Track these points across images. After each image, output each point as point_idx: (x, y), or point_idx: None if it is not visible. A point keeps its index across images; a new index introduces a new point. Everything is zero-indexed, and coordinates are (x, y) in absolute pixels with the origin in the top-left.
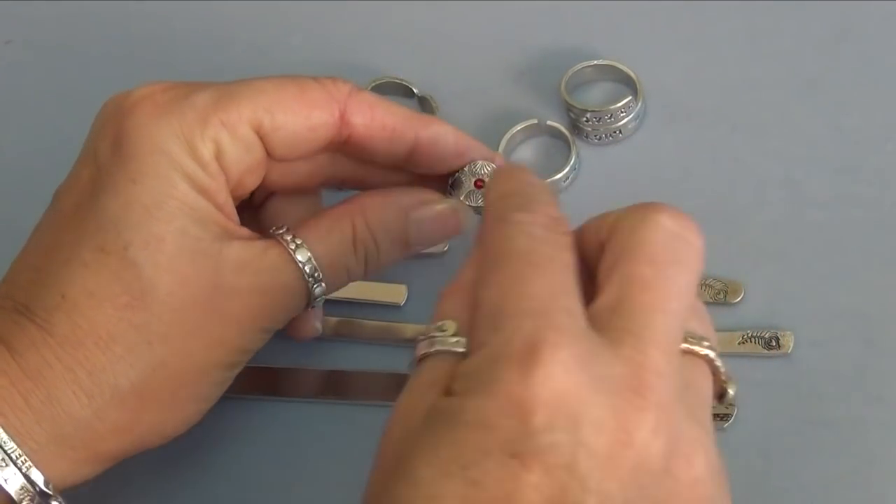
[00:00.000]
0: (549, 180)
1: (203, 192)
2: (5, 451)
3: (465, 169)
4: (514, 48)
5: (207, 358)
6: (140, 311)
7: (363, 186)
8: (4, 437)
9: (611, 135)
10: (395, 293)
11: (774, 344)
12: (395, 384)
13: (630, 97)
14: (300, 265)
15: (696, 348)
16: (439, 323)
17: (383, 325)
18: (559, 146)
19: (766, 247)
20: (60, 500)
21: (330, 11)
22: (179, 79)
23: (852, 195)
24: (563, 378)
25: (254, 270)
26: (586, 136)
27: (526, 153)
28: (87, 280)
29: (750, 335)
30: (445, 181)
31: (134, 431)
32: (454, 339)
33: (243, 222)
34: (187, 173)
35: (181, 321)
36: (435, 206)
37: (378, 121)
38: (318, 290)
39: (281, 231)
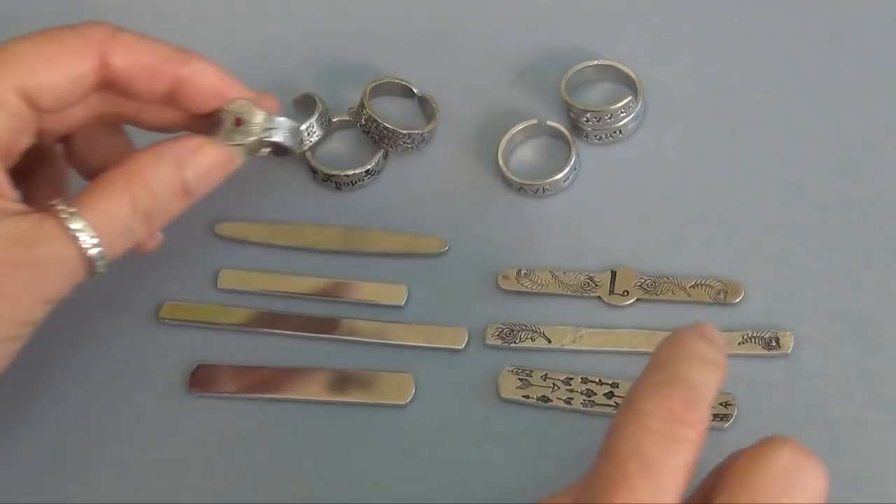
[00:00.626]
0: (549, 180)
1: None
2: None
3: (226, 108)
4: (514, 48)
5: None
6: None
7: (138, 123)
8: None
9: (611, 135)
10: (395, 294)
11: (774, 344)
12: (394, 384)
13: (630, 97)
14: (74, 234)
15: None
16: None
17: (383, 325)
18: (559, 146)
19: (766, 247)
20: None
21: (330, 11)
22: None
23: (852, 195)
24: None
25: (27, 244)
26: (586, 136)
27: (526, 153)
28: None
29: (750, 335)
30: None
31: None
32: None
33: (29, 179)
34: None
35: None
36: (206, 151)
37: (138, 60)
38: (96, 256)
39: (54, 203)
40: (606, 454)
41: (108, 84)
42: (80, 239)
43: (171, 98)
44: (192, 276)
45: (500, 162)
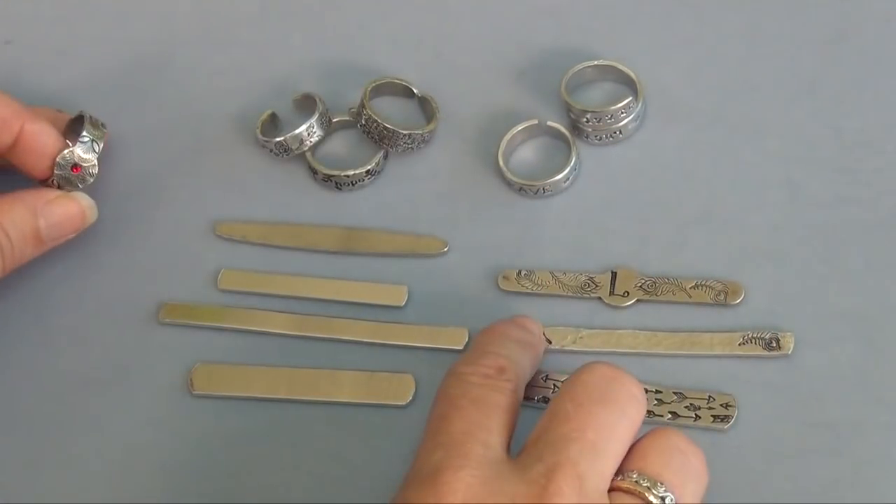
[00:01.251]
0: (549, 181)
1: None
2: None
3: (59, 162)
4: (515, 48)
5: None
6: None
7: None
8: None
9: (611, 135)
10: (395, 294)
11: (775, 345)
12: (394, 385)
13: (630, 97)
14: None
15: (641, 490)
16: None
17: (383, 325)
18: (559, 146)
19: (766, 248)
20: None
21: (330, 11)
22: (179, 78)
23: (852, 196)
24: (464, 493)
25: None
26: (586, 137)
27: (526, 153)
28: None
29: (750, 336)
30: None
31: None
32: None
33: None
34: None
35: None
36: (61, 203)
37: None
38: None
39: None
40: (435, 401)
41: None
42: None
43: (12, 152)
44: (192, 276)
45: (501, 162)
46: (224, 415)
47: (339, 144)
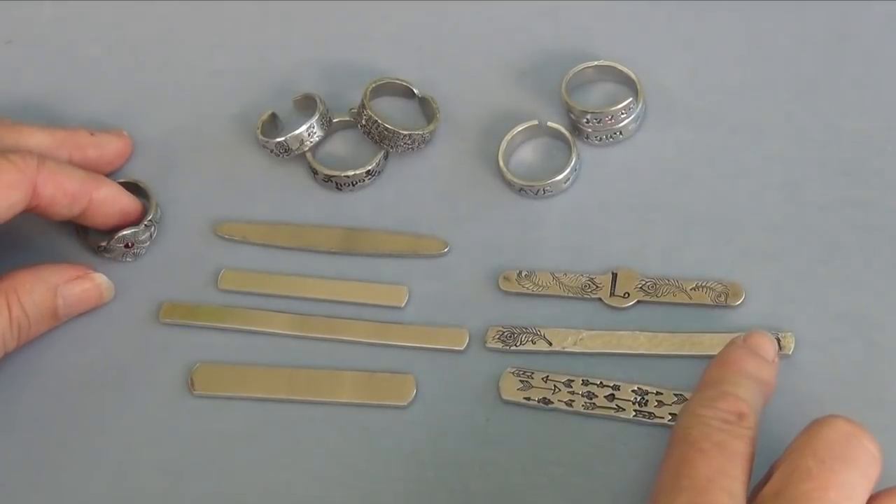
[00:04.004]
0: (549, 181)
1: None
2: None
3: (118, 235)
4: (515, 48)
5: None
6: None
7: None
8: None
9: (611, 136)
10: (395, 295)
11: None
12: (395, 385)
13: (630, 98)
14: None
15: None
16: None
17: (384, 325)
18: (560, 147)
19: (766, 249)
20: None
21: (330, 11)
22: (179, 78)
23: (852, 196)
24: None
25: None
26: (587, 138)
27: (526, 154)
28: None
29: None
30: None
31: None
32: None
33: None
34: None
35: None
36: (80, 284)
37: (61, 188)
38: None
39: None
40: (673, 442)
41: (33, 208)
42: None
43: (81, 216)
44: (192, 276)
45: (501, 163)
46: (224, 415)
47: (340, 144)
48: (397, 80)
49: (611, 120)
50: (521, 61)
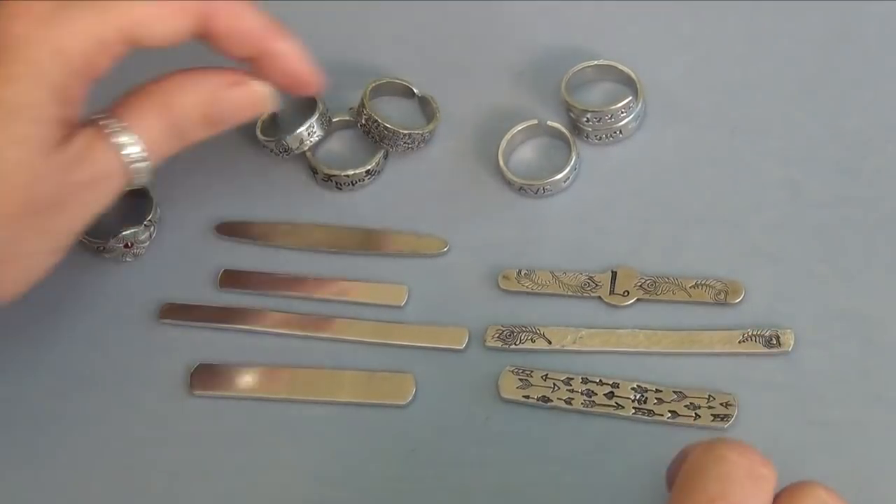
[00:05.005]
0: (549, 180)
1: (65, 102)
2: None
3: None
4: (515, 48)
5: (37, 244)
6: None
7: None
8: None
9: (611, 135)
10: (395, 294)
11: (775, 342)
12: (394, 384)
13: (630, 97)
14: (123, 150)
15: None
16: None
17: (383, 325)
18: (559, 146)
19: (766, 247)
20: None
21: (330, 11)
22: None
23: (852, 195)
24: None
25: (88, 164)
26: (586, 137)
27: (526, 153)
28: None
29: (750, 334)
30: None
31: None
32: None
33: None
34: (55, 85)
35: (21, 214)
36: (243, 87)
37: (237, 26)
38: (139, 170)
39: (101, 119)
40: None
41: (203, 36)
42: (130, 155)
43: (253, 63)
44: (192, 276)
45: (501, 162)
46: (224, 415)
47: (339, 144)
48: (397, 79)
49: (610, 119)
50: (520, 61)
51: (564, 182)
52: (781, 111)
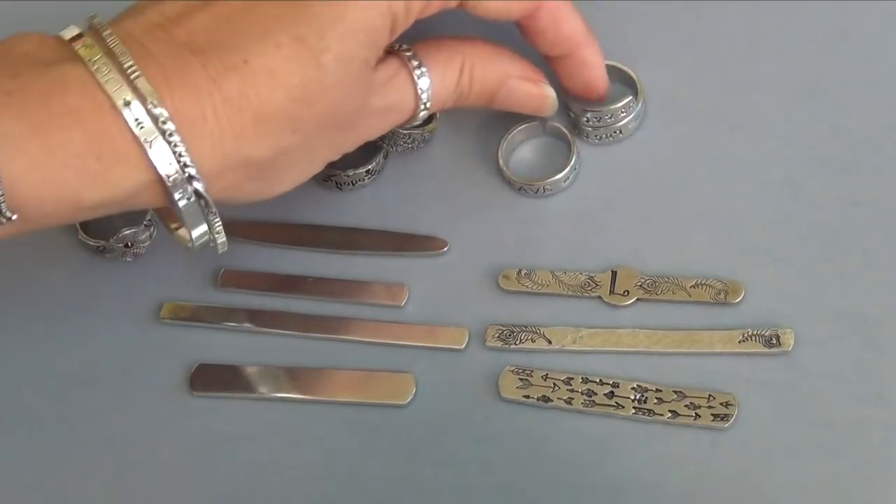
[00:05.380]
0: (549, 180)
1: (392, 31)
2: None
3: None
4: (514, 48)
5: (322, 154)
6: (304, 106)
7: None
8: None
9: (611, 135)
10: (395, 294)
11: (775, 342)
12: (394, 384)
13: (630, 97)
14: (418, 90)
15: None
16: None
17: (383, 325)
18: (559, 146)
19: (766, 247)
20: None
21: None
22: None
23: (852, 195)
24: None
25: (386, 91)
26: (587, 136)
27: (526, 153)
28: (275, 61)
29: (750, 333)
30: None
31: (236, 192)
32: None
33: None
34: (395, 16)
35: (324, 125)
36: (537, 86)
37: (556, 25)
38: (422, 113)
39: (408, 54)
40: None
41: (519, 25)
42: (422, 98)
43: (553, 62)
44: (192, 276)
45: (501, 162)
46: (224, 415)
47: None
48: None
49: (610, 119)
50: None
51: (564, 182)
52: (781, 111)
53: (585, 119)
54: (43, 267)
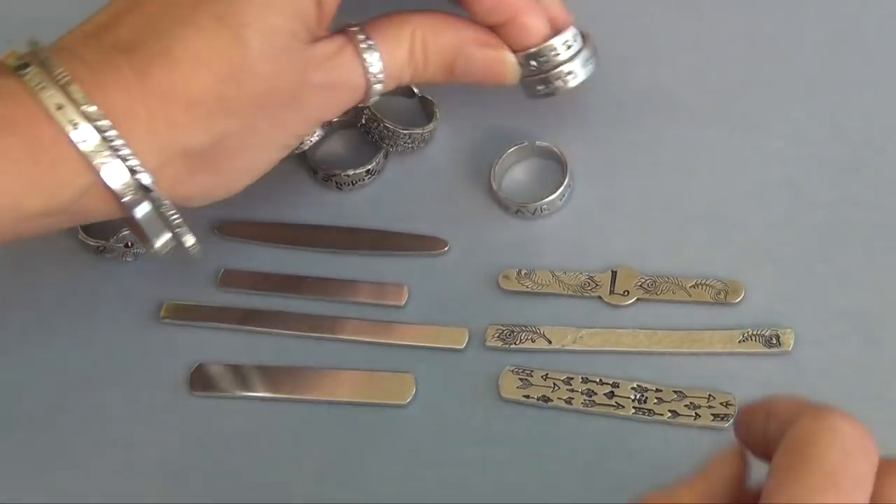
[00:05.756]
0: (545, 201)
1: (319, 3)
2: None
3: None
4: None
5: (270, 138)
6: (233, 85)
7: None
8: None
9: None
10: (395, 294)
11: (775, 342)
12: (394, 384)
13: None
14: (367, 65)
15: None
16: None
17: (383, 325)
18: (552, 167)
19: (766, 247)
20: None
21: None
22: None
23: (852, 195)
24: None
25: (330, 67)
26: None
27: (519, 174)
28: (197, 43)
29: (750, 333)
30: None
31: (186, 187)
32: None
33: None
34: None
35: (262, 104)
36: (494, 51)
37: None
38: (376, 90)
39: (355, 29)
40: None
41: None
42: (371, 71)
43: (493, 27)
44: (192, 276)
45: (495, 186)
46: (224, 415)
47: (339, 144)
48: None
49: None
50: None
51: (560, 200)
52: (781, 111)
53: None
54: (43, 267)
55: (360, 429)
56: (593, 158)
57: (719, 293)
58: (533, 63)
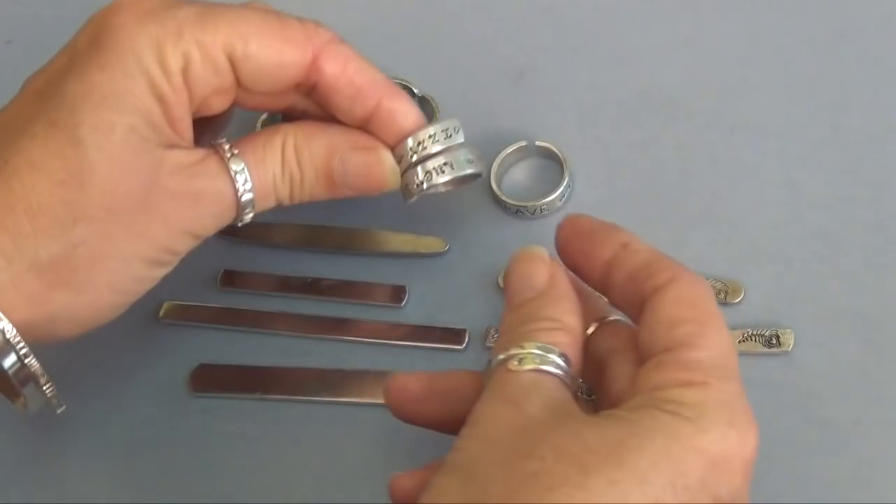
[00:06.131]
0: (544, 201)
1: (160, 99)
2: None
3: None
4: (515, 47)
5: (130, 248)
6: (74, 188)
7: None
8: None
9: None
10: (395, 294)
11: (775, 342)
12: None
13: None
14: (232, 174)
15: None
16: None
17: (383, 325)
18: (552, 167)
19: (766, 247)
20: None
21: (330, 11)
22: None
23: (852, 195)
24: None
25: (189, 174)
26: None
27: (519, 175)
28: (32, 150)
29: (750, 333)
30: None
31: (46, 306)
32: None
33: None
34: (151, 78)
35: (110, 207)
36: (370, 153)
37: (348, 76)
38: (246, 202)
39: (220, 142)
40: None
41: (311, 88)
42: (237, 180)
43: (365, 123)
44: (192, 276)
45: (495, 187)
46: (224, 415)
47: None
48: (397, 79)
49: None
50: (520, 60)
51: (560, 201)
52: (781, 111)
53: None
54: None
55: (361, 429)
56: (593, 158)
57: (719, 293)
58: (412, 154)
